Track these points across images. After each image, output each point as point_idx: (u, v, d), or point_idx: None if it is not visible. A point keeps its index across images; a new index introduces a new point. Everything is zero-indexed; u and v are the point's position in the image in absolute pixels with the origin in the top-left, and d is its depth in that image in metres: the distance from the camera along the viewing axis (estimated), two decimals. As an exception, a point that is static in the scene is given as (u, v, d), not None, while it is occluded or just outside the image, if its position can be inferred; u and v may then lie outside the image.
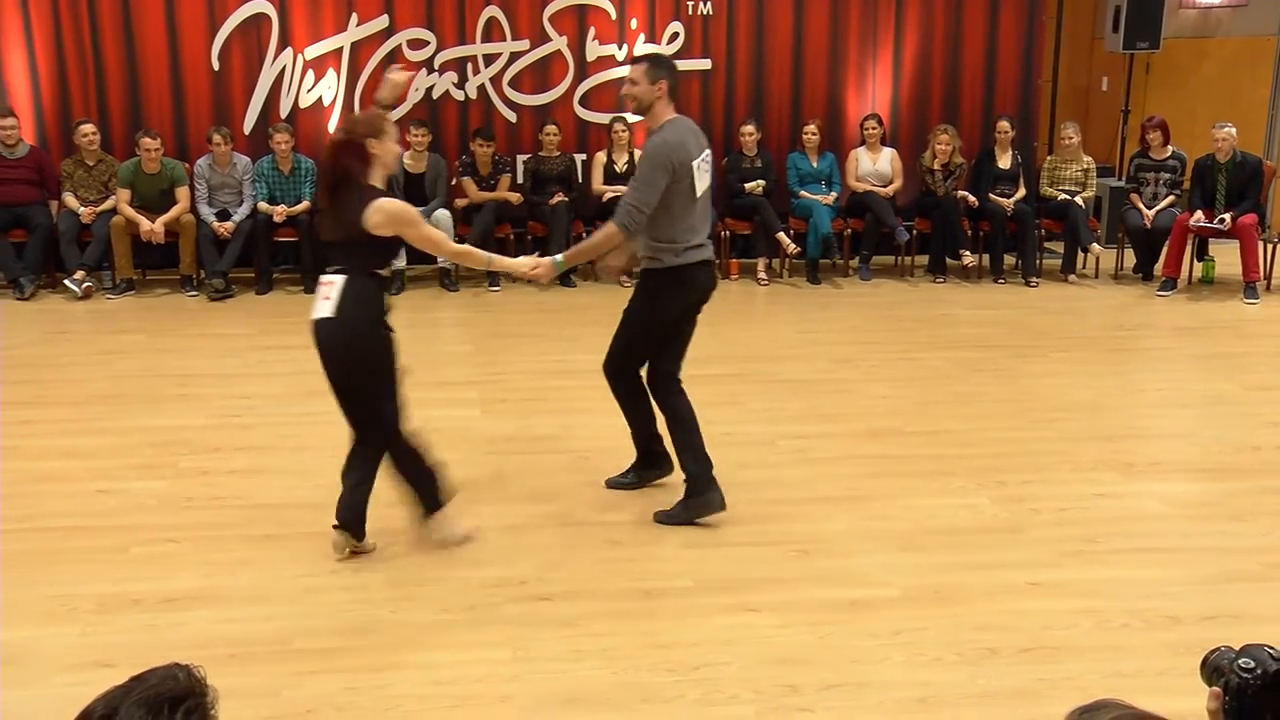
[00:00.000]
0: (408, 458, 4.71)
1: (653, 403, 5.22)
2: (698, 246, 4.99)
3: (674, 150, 4.82)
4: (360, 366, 4.54)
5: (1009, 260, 10.25)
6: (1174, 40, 11.22)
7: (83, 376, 7.26)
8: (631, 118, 10.27)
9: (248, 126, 10.08)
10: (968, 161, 10.23)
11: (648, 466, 5.45)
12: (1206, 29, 11.54)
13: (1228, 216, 9.34)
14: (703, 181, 4.96)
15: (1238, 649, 1.85)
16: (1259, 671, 1.80)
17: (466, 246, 5.35)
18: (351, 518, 4.67)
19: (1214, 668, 1.89)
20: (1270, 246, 9.71)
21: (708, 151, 5.04)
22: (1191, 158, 9.81)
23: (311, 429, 6.28)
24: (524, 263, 5.08)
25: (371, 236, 4.42)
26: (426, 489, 4.76)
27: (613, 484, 5.48)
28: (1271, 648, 1.82)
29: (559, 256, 5.11)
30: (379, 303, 4.52)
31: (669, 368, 5.13)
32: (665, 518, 5.08)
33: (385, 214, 4.40)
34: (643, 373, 5.19)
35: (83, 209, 9.40)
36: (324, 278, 4.54)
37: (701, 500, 5.05)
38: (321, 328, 4.48)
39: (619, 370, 5.20)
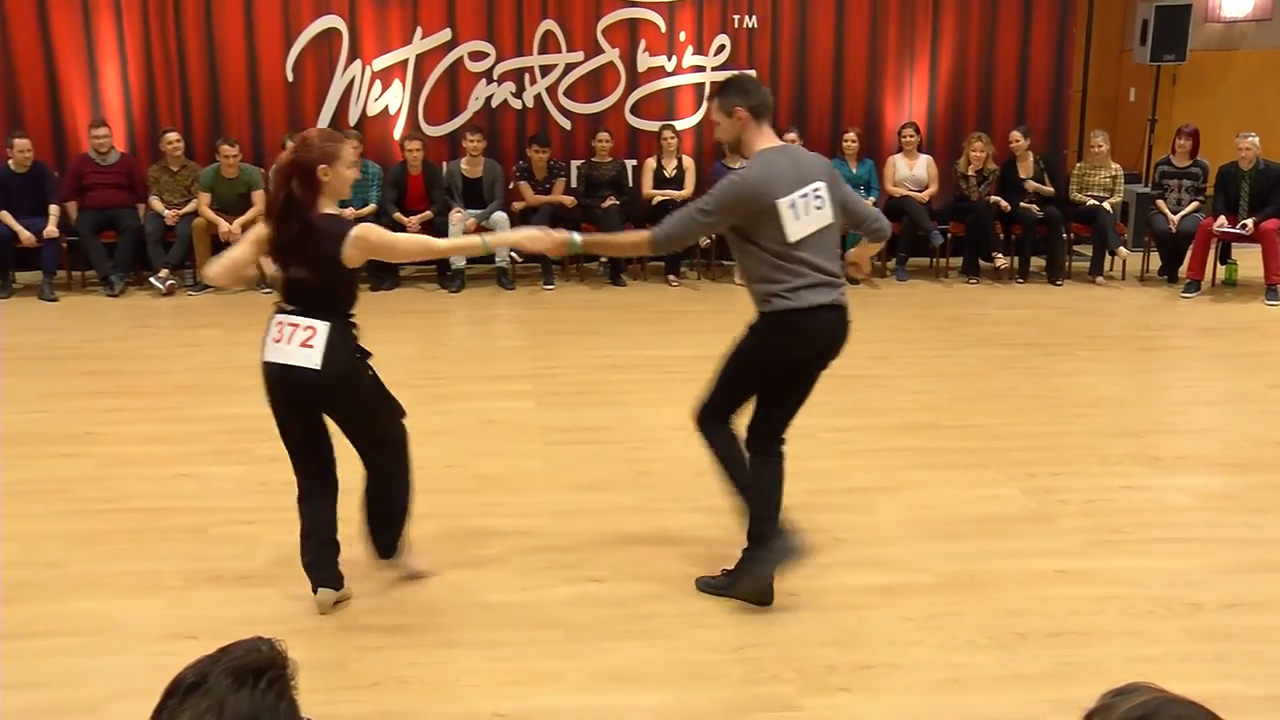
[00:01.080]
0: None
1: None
2: (810, 287, 3.99)
3: (748, 188, 3.94)
4: (355, 399, 4.11)
5: (1037, 262, 10.15)
6: (1200, 52, 11.05)
7: (165, 368, 7.34)
8: (681, 124, 10.28)
9: (319, 134, 10.13)
10: (1000, 168, 10.13)
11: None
12: (1231, 42, 11.36)
13: (1250, 221, 9.22)
14: (806, 221, 3.99)
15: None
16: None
17: (455, 240, 4.63)
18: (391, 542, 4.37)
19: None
20: (1292, 250, 9.55)
21: (818, 184, 4.02)
22: (1216, 165, 9.67)
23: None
24: (527, 234, 4.47)
25: (348, 271, 3.95)
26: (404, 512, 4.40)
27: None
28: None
29: (577, 236, 4.34)
30: (353, 336, 4.08)
31: (768, 427, 4.25)
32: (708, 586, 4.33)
33: (365, 246, 3.92)
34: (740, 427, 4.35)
35: (167, 212, 9.52)
36: (292, 318, 3.97)
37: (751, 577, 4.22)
38: (303, 377, 3.93)
39: (701, 413, 4.38)
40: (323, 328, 3.93)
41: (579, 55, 10.30)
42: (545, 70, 10.31)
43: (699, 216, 4.05)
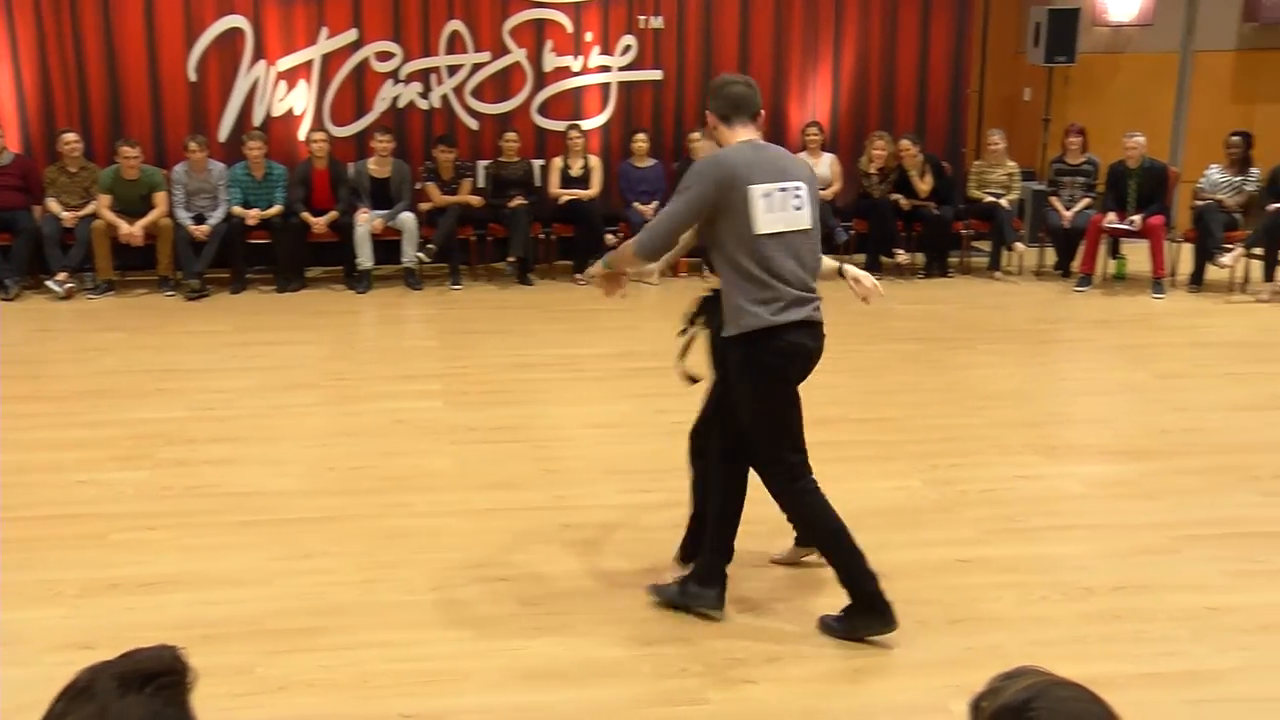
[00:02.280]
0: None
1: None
2: (787, 304, 3.79)
3: (720, 168, 3.77)
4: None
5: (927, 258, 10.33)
6: (1089, 55, 11.32)
7: (66, 373, 7.16)
8: (587, 124, 10.27)
9: (223, 135, 9.96)
10: (899, 167, 10.28)
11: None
12: (1118, 45, 11.65)
13: (1138, 218, 9.47)
14: (780, 216, 3.78)
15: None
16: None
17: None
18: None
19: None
20: (1176, 246, 9.84)
21: (799, 184, 3.83)
22: (1106, 163, 9.92)
23: (283, 421, 6.24)
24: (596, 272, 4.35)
25: None
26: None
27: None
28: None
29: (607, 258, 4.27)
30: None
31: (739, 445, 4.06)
32: (662, 594, 4.17)
33: None
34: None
35: (65, 214, 9.26)
36: None
37: (710, 595, 4.09)
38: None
39: (723, 448, 4.10)
40: None
41: (486, 55, 10.24)
42: (452, 70, 10.23)
43: (672, 209, 3.87)
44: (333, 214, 9.51)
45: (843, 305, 4.45)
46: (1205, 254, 9.50)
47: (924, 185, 10.03)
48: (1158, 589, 4.32)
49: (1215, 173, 9.76)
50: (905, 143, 10.08)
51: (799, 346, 3.86)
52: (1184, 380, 7.13)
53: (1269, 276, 9.26)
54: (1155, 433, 6.10)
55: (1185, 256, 9.82)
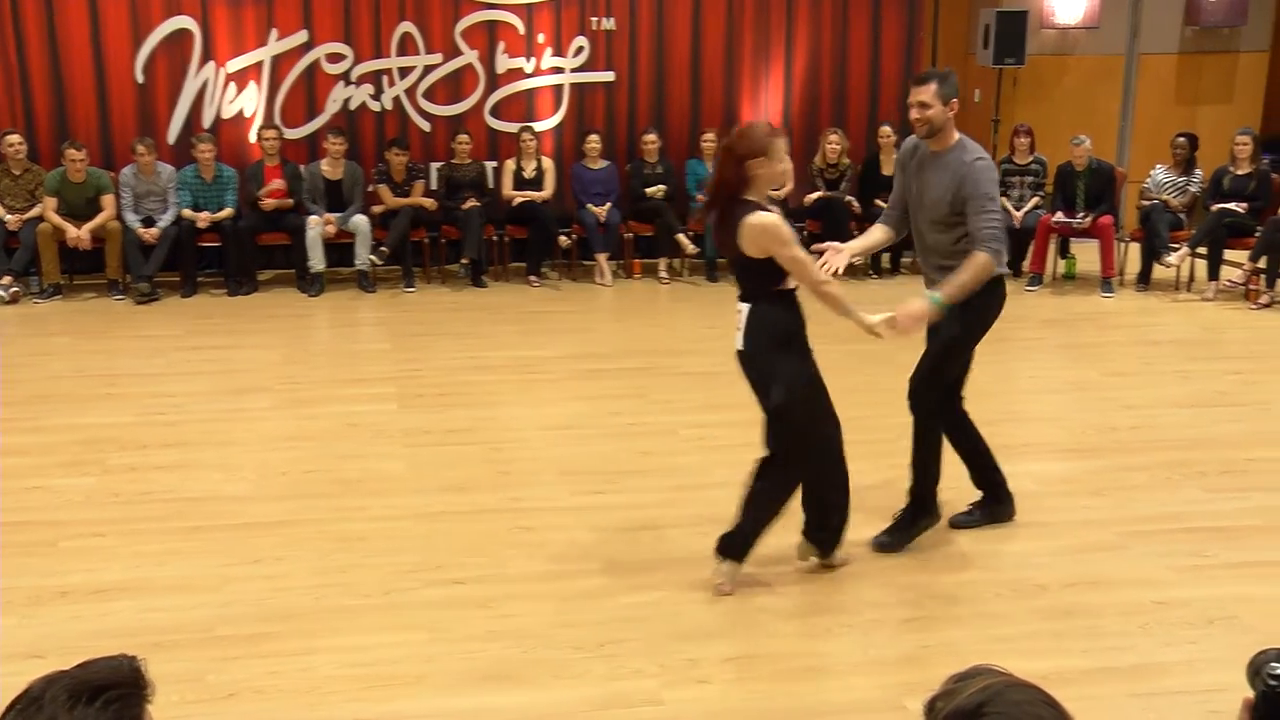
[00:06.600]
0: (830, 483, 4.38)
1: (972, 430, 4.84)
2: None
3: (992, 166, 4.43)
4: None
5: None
6: (1037, 57, 11.44)
7: (13, 378, 7.03)
8: (540, 125, 10.25)
9: (172, 137, 9.84)
10: (855, 165, 10.33)
11: (997, 501, 4.92)
12: (1065, 47, 11.78)
13: (1086, 217, 9.58)
14: None
15: (1278, 650, 1.66)
16: None
17: (835, 288, 4.25)
18: (821, 537, 4.42)
19: (1253, 670, 1.68)
20: (1124, 245, 9.96)
21: None
22: (1055, 163, 10.02)
23: (235, 425, 6.17)
24: (882, 321, 4.38)
25: (748, 258, 4.05)
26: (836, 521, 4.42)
27: (956, 523, 4.87)
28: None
29: (937, 296, 4.39)
30: (783, 324, 4.16)
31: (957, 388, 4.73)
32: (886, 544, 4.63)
33: (754, 231, 3.99)
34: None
35: (9, 217, 9.11)
36: (738, 305, 4.17)
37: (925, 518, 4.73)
38: (740, 360, 4.22)
39: (932, 402, 4.66)
40: (744, 308, 4.13)
41: (438, 57, 10.18)
42: (404, 72, 10.16)
43: (995, 207, 4.38)
44: (287, 200, 9.47)
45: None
46: (1152, 254, 9.61)
47: (889, 168, 10.11)
48: (1108, 585, 4.37)
49: (1161, 173, 9.89)
50: (886, 129, 10.11)
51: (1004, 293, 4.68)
52: (1132, 378, 7.22)
53: (1213, 275, 9.39)
54: (1105, 430, 6.17)
55: (1133, 256, 9.93)
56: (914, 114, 4.42)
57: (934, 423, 4.65)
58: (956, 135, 4.43)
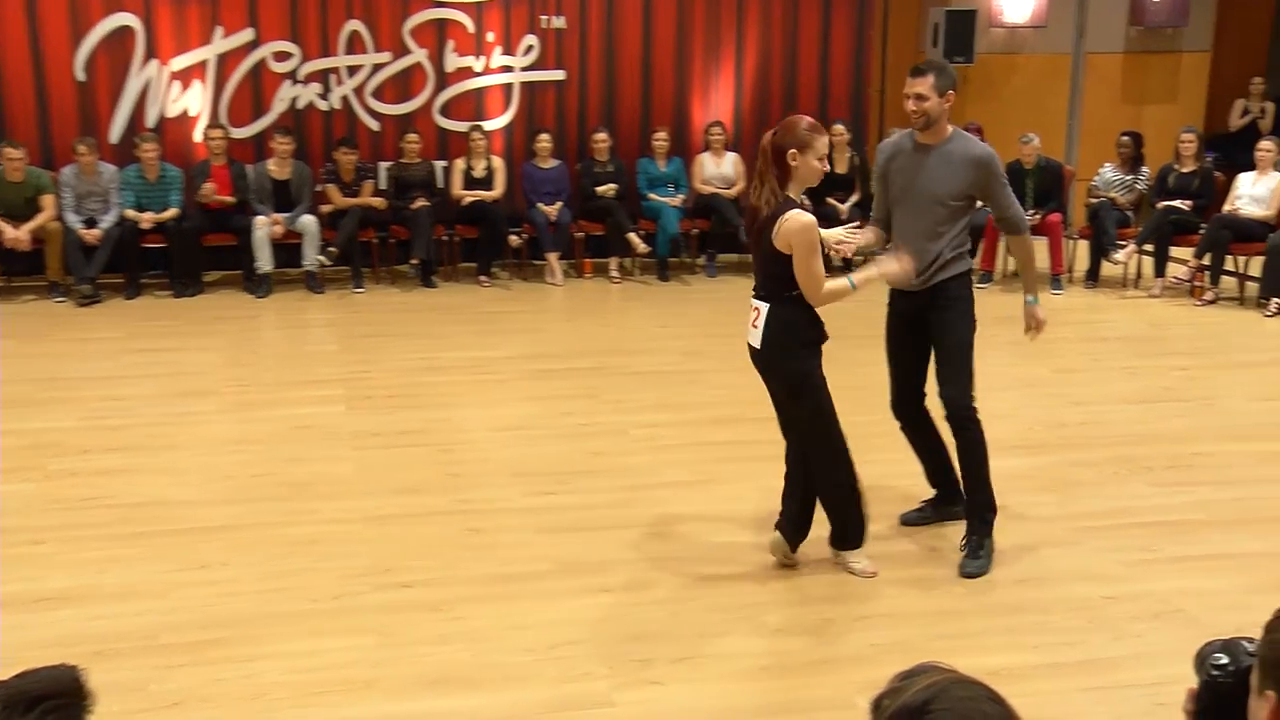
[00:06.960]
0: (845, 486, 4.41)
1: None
2: None
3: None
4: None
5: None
6: (987, 55, 11.55)
7: (-51, 382, 6.90)
8: (490, 124, 10.20)
9: (114, 136, 9.70)
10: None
11: (948, 502, 4.90)
12: (1014, 46, 11.90)
13: (1035, 215, 9.66)
14: None
15: (1223, 641, 1.71)
16: (1232, 669, 1.67)
17: (832, 283, 4.25)
18: (791, 530, 4.46)
19: (1199, 660, 1.74)
20: (1072, 243, 10.07)
21: None
22: (1004, 161, 10.09)
23: (181, 429, 6.09)
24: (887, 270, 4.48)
25: (778, 254, 4.05)
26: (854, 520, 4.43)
27: (908, 520, 4.94)
28: (1250, 640, 1.65)
29: (1030, 296, 4.87)
30: (803, 325, 4.20)
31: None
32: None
33: (793, 227, 4.03)
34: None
35: (-53, 217, 8.95)
36: (753, 301, 4.23)
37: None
38: (754, 357, 4.29)
39: (972, 410, 4.55)
40: (764, 306, 4.17)
41: (386, 56, 10.11)
42: (352, 71, 10.08)
43: (1013, 195, 4.66)
44: (230, 199, 9.38)
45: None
46: (1100, 251, 9.73)
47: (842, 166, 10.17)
48: (1057, 580, 4.40)
49: (1108, 171, 10.01)
50: (839, 127, 10.13)
51: None
52: (1081, 374, 7.29)
53: (1159, 272, 9.51)
54: (1054, 426, 6.22)
55: (1082, 253, 10.04)
56: (910, 105, 4.42)
57: (977, 431, 4.54)
58: (950, 127, 4.48)
